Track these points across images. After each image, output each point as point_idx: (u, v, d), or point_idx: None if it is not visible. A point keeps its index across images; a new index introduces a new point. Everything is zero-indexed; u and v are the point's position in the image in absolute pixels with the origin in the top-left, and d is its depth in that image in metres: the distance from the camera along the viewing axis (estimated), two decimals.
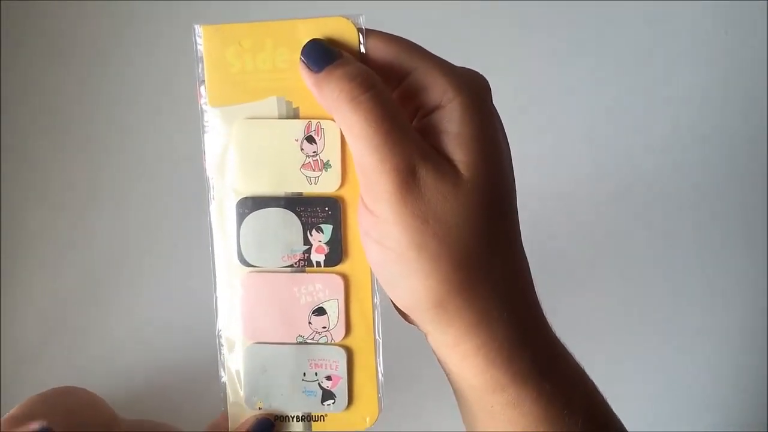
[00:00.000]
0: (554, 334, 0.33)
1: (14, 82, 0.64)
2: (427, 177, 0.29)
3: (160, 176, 0.65)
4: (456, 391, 0.33)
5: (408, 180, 0.29)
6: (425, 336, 0.33)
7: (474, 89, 0.31)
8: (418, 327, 0.32)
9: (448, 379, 0.33)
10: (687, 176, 0.68)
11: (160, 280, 0.64)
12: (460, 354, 0.30)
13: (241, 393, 0.34)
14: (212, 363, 0.35)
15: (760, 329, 0.64)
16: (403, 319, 0.33)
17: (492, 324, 0.30)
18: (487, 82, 0.32)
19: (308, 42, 0.31)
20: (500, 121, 0.32)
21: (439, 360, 0.33)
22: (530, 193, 0.64)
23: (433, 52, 0.32)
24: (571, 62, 0.68)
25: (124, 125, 0.66)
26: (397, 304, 0.31)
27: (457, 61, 0.32)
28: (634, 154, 0.68)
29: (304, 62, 0.31)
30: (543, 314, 0.32)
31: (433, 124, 0.31)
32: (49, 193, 0.65)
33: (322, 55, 0.31)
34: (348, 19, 0.31)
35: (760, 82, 0.66)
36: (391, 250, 0.30)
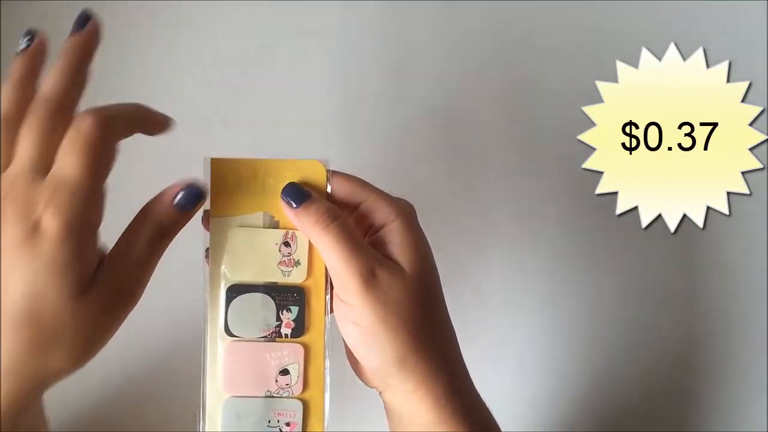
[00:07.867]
0: (473, 385, 0.43)
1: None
2: (383, 275, 0.39)
3: (165, 178, 0.54)
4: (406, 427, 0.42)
5: (370, 279, 0.39)
6: (380, 394, 0.42)
7: (407, 213, 0.43)
8: (375, 387, 0.42)
9: (395, 422, 0.42)
10: None
11: (158, 283, 0.53)
12: (418, 397, 0.40)
13: None
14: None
15: (760, 329, 0.65)
16: (363, 383, 0.43)
17: (438, 375, 0.40)
18: (413, 207, 0.44)
19: (287, 185, 0.41)
20: (424, 235, 0.44)
21: (391, 410, 0.42)
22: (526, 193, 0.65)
23: None
24: (568, 62, 0.67)
25: None
26: (368, 367, 0.40)
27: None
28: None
29: (284, 200, 0.41)
30: (467, 371, 0.43)
31: (382, 238, 0.41)
32: None
33: (298, 195, 0.41)
34: (320, 162, 0.43)
35: (761, 82, 0.66)
36: (363, 327, 0.39)
